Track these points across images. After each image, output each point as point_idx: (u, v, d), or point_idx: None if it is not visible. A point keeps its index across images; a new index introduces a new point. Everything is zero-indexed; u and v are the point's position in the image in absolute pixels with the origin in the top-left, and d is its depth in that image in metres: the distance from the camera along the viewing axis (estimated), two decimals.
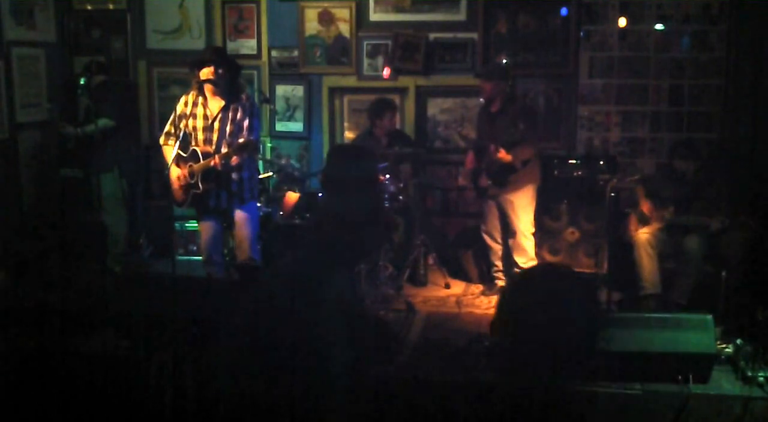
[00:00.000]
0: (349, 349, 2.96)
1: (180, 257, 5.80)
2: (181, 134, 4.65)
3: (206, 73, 4.61)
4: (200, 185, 4.63)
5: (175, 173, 4.68)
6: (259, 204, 5.16)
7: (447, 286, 5.66)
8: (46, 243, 5.79)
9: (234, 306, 3.93)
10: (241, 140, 4.49)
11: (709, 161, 5.17)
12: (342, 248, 3.12)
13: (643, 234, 4.94)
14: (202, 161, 4.61)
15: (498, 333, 3.74)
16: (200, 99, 4.72)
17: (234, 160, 4.60)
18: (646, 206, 5.05)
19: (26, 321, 4.41)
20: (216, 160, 4.54)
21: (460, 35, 6.20)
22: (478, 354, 4.10)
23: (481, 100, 5.41)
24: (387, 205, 5.44)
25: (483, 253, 5.69)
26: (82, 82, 5.31)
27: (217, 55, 4.70)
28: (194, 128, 4.72)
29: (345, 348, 2.96)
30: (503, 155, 5.12)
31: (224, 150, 4.61)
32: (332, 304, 2.97)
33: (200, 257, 5.05)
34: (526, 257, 5.37)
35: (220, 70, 4.62)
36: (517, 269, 5.34)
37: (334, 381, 2.93)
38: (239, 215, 4.82)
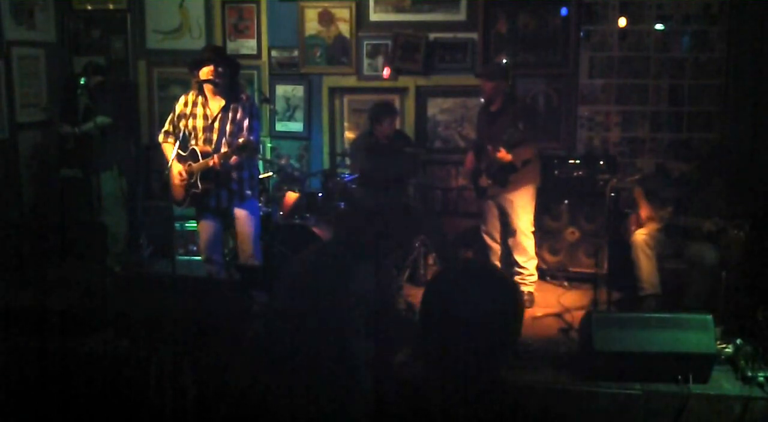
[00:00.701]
0: (367, 340, 2.97)
1: (180, 257, 5.80)
2: (181, 134, 4.65)
3: (206, 72, 4.60)
4: (199, 185, 4.63)
5: (176, 168, 4.66)
6: (259, 204, 5.16)
7: None
8: (46, 243, 5.78)
9: (244, 304, 3.96)
10: (240, 140, 4.49)
11: (708, 162, 5.17)
12: (370, 241, 3.13)
13: (640, 235, 4.94)
14: (201, 161, 4.60)
15: (422, 327, 3.76)
16: (200, 99, 4.71)
17: (233, 160, 4.60)
18: (644, 211, 5.05)
19: (26, 321, 4.41)
20: (215, 159, 4.54)
21: (460, 35, 6.20)
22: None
23: (482, 100, 5.41)
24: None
25: (483, 253, 5.69)
26: (82, 82, 5.31)
27: (216, 54, 4.69)
28: (194, 128, 4.71)
29: (363, 338, 2.97)
30: (503, 154, 5.12)
31: (224, 150, 4.61)
32: (354, 295, 2.97)
33: (200, 257, 5.04)
34: (526, 256, 5.37)
35: (219, 69, 4.61)
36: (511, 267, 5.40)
37: (352, 372, 2.93)
38: (240, 213, 4.81)
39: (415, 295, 5.40)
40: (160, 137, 4.87)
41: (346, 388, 2.95)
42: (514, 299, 4.09)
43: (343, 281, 3.03)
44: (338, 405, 2.96)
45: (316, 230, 5.49)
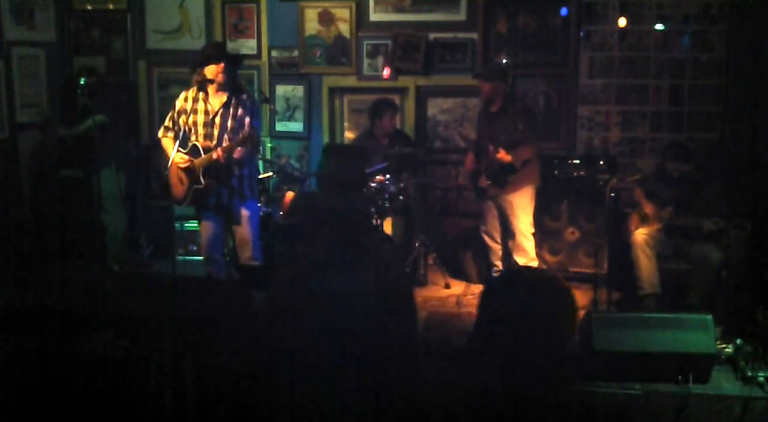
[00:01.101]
0: (354, 345, 2.97)
1: (180, 257, 5.80)
2: (180, 130, 4.64)
3: (213, 71, 4.58)
4: (201, 180, 4.62)
5: (177, 165, 4.65)
6: (259, 204, 5.16)
7: (447, 286, 5.66)
8: (46, 243, 5.78)
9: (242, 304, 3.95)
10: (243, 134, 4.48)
11: (707, 162, 5.17)
12: (336, 245, 3.13)
13: (640, 235, 4.94)
14: (203, 156, 4.60)
15: (478, 333, 3.74)
16: (201, 95, 4.69)
17: (237, 152, 4.58)
18: (648, 207, 5.05)
19: (26, 320, 4.41)
20: (218, 152, 4.52)
21: (460, 35, 6.21)
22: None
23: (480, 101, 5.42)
24: (387, 204, 5.44)
25: (483, 253, 5.69)
26: (82, 82, 5.31)
27: (220, 52, 4.69)
28: (194, 124, 4.70)
29: (350, 344, 2.96)
30: (502, 155, 5.12)
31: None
32: (346, 296, 2.97)
33: (200, 257, 5.04)
34: (527, 257, 5.38)
35: (227, 66, 4.60)
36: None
37: (337, 377, 2.93)
38: (240, 213, 4.80)
39: (415, 295, 5.41)
40: (160, 132, 4.86)
41: (345, 389, 2.95)
42: (572, 303, 4.05)
43: (334, 281, 3.02)
44: (337, 406, 2.95)
45: None
